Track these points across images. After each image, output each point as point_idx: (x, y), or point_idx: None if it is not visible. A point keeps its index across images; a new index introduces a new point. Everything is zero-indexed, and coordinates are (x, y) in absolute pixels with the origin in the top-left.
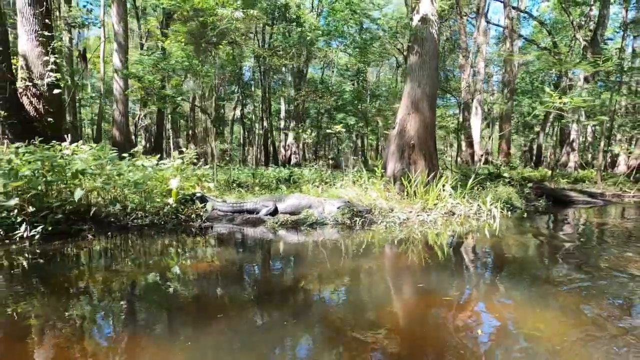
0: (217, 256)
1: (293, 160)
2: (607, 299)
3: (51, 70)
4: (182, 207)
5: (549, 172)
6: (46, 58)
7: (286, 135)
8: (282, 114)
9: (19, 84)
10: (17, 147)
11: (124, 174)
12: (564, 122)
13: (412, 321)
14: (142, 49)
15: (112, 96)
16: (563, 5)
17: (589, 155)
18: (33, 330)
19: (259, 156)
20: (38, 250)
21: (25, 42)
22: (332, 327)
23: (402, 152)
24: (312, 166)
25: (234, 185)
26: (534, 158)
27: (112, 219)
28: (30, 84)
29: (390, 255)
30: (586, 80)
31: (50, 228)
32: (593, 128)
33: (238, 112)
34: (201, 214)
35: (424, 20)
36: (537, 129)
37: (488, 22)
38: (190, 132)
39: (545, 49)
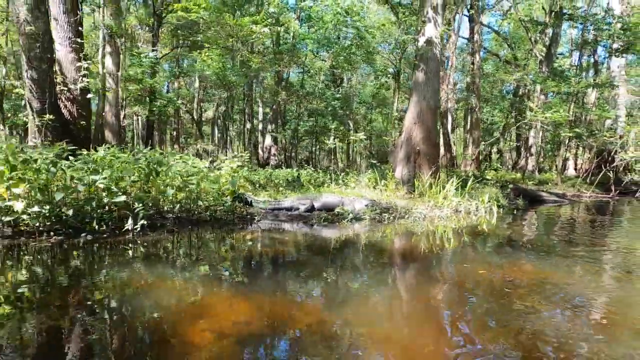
0: (299, 241)
1: (272, 162)
2: (602, 262)
3: (84, 76)
4: (236, 205)
5: (517, 175)
6: (79, 64)
7: (264, 137)
8: (260, 117)
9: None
10: (104, 151)
11: (196, 175)
12: (538, 129)
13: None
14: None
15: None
16: (523, 24)
17: (541, 159)
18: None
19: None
20: (150, 239)
21: (60, 48)
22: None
23: (409, 157)
24: (309, 169)
25: (257, 185)
26: (497, 162)
27: (181, 215)
28: (65, 88)
29: (440, 239)
30: (541, 91)
31: (146, 222)
32: (545, 135)
33: (218, 114)
34: (251, 210)
35: (429, 42)
36: (496, 134)
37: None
38: (174, 133)
39: (507, 62)
